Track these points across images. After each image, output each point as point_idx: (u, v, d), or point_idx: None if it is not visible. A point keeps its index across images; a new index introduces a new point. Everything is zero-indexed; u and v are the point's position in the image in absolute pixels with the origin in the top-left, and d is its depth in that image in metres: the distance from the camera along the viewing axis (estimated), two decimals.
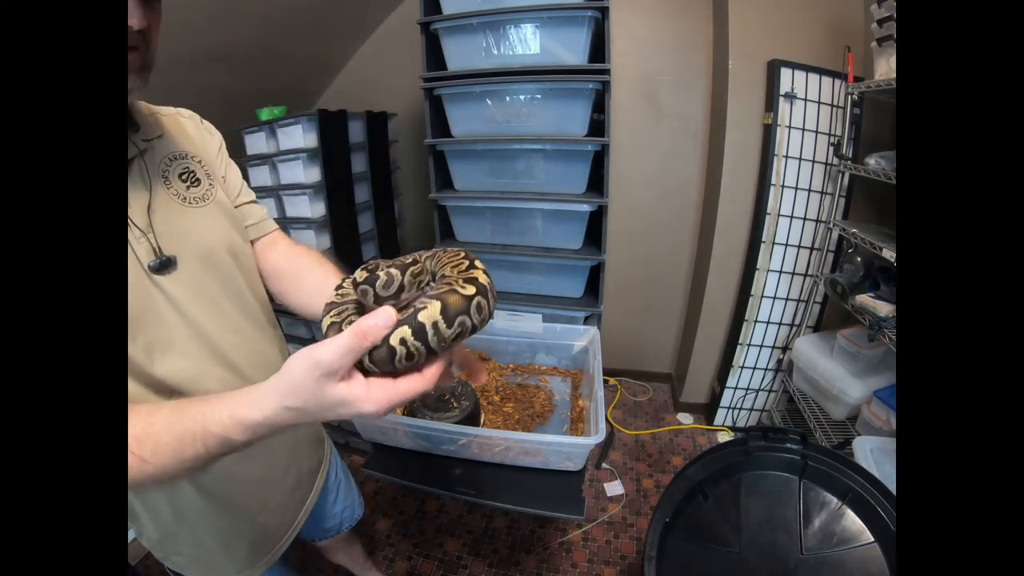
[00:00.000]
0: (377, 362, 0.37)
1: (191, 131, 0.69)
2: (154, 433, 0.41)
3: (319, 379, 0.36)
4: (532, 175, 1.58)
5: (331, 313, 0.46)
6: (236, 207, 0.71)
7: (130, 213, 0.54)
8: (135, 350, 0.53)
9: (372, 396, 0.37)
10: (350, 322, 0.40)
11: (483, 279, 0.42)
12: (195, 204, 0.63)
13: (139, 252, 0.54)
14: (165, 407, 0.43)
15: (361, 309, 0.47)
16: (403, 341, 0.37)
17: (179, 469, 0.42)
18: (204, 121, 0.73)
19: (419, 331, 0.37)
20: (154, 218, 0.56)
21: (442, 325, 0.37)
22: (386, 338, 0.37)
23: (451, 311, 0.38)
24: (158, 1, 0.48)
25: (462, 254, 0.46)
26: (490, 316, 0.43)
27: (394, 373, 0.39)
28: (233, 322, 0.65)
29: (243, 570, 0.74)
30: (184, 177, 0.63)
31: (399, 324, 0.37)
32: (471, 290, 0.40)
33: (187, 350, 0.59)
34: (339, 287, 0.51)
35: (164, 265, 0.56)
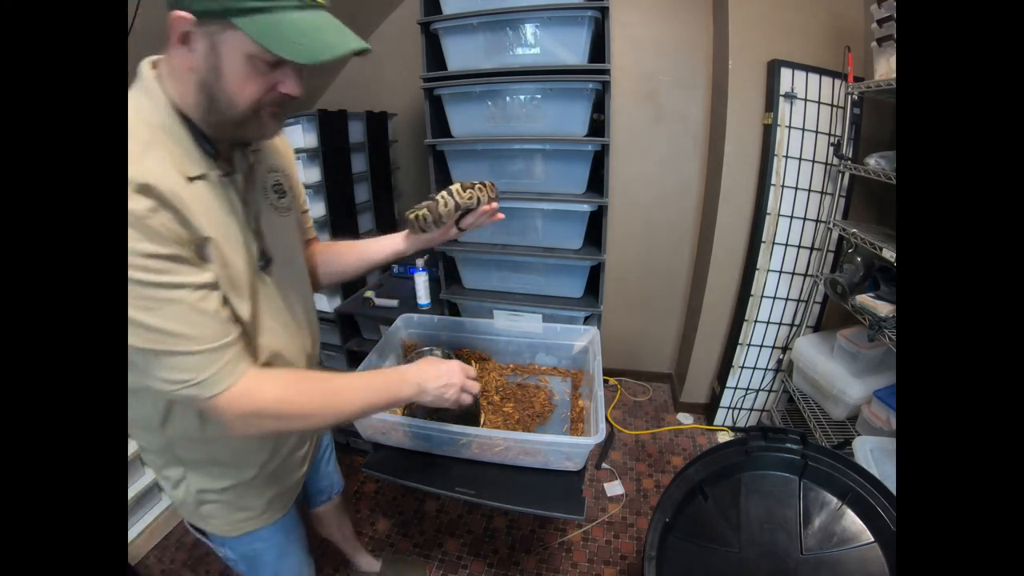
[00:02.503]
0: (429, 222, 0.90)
1: (279, 144, 0.81)
2: (345, 386, 0.70)
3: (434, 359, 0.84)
4: (532, 175, 1.58)
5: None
6: (302, 213, 0.88)
7: (247, 218, 0.67)
8: (250, 326, 0.66)
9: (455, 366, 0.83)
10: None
11: (450, 192, 0.88)
12: (282, 213, 0.77)
13: (253, 251, 0.67)
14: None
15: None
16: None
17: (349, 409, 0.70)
18: (283, 132, 0.84)
19: (432, 206, 0.88)
20: (261, 223, 0.70)
21: (452, 202, 0.88)
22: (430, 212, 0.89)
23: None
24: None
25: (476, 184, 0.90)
26: (459, 203, 0.88)
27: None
28: (307, 302, 0.83)
29: (267, 511, 0.83)
30: (276, 188, 0.76)
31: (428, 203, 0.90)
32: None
33: (278, 324, 0.73)
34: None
35: (267, 263, 0.71)
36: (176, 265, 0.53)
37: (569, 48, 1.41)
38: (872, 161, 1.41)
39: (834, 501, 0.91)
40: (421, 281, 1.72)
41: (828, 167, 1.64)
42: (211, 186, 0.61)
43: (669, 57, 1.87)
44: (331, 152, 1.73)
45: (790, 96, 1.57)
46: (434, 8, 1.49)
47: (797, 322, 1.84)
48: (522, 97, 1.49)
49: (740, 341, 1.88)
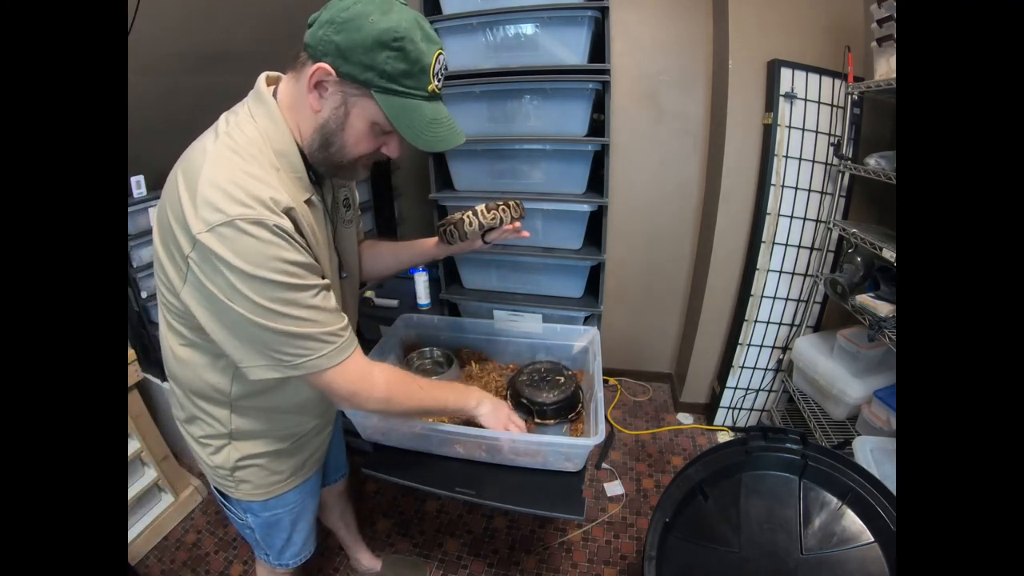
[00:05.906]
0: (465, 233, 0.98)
1: None
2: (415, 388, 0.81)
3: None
4: (532, 175, 1.58)
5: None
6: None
7: (333, 236, 0.79)
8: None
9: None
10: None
11: (475, 213, 0.97)
12: (347, 225, 0.86)
13: (335, 264, 0.80)
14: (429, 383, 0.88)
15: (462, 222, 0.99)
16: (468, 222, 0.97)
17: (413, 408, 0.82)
18: None
19: (459, 224, 0.97)
20: (337, 239, 0.81)
21: (476, 221, 0.96)
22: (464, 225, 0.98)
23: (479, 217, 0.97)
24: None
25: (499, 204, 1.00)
26: (483, 223, 0.97)
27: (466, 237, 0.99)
28: (357, 303, 0.96)
29: (294, 474, 0.91)
30: (345, 203, 0.85)
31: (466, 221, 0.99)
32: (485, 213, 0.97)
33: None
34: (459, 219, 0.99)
35: (343, 276, 0.84)
36: (308, 272, 0.64)
37: (569, 48, 1.41)
38: (872, 161, 1.41)
39: (834, 501, 0.91)
40: (421, 281, 1.72)
41: (828, 167, 1.64)
42: (313, 208, 0.71)
43: (669, 57, 1.86)
44: None
45: (790, 96, 1.57)
46: (434, 8, 1.49)
47: (797, 322, 1.84)
48: (522, 97, 1.49)
49: (740, 341, 1.88)
